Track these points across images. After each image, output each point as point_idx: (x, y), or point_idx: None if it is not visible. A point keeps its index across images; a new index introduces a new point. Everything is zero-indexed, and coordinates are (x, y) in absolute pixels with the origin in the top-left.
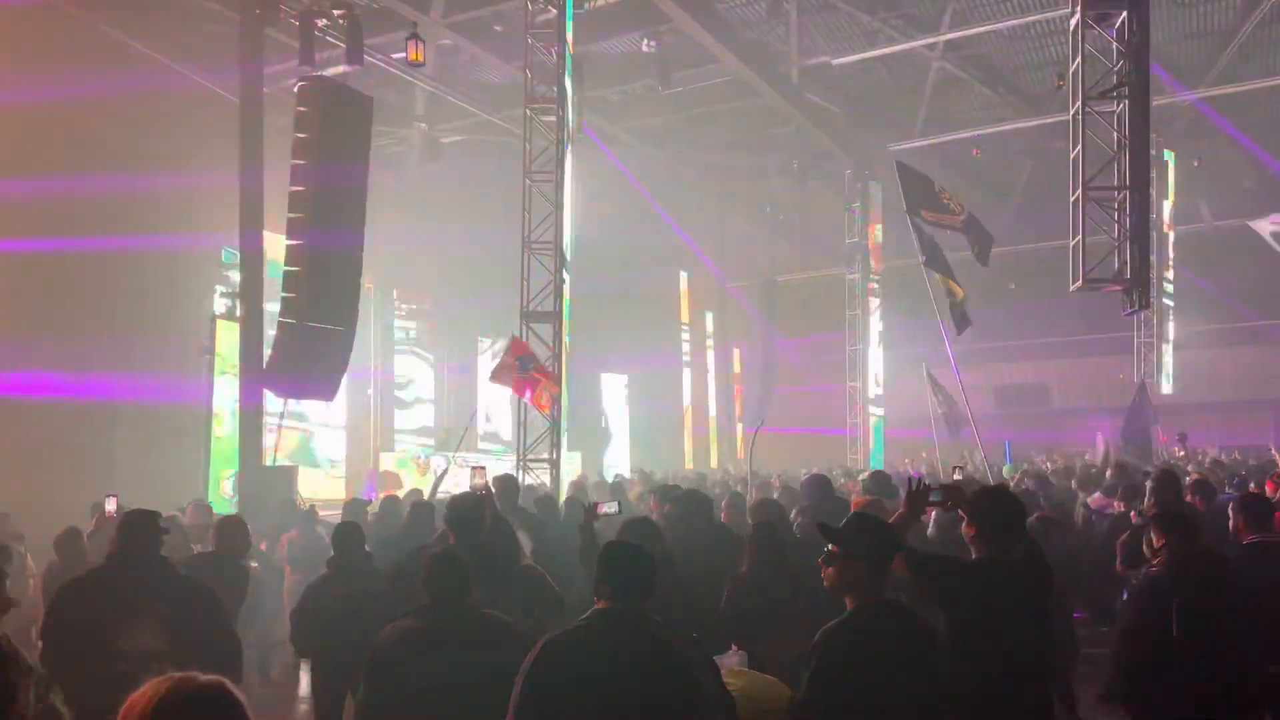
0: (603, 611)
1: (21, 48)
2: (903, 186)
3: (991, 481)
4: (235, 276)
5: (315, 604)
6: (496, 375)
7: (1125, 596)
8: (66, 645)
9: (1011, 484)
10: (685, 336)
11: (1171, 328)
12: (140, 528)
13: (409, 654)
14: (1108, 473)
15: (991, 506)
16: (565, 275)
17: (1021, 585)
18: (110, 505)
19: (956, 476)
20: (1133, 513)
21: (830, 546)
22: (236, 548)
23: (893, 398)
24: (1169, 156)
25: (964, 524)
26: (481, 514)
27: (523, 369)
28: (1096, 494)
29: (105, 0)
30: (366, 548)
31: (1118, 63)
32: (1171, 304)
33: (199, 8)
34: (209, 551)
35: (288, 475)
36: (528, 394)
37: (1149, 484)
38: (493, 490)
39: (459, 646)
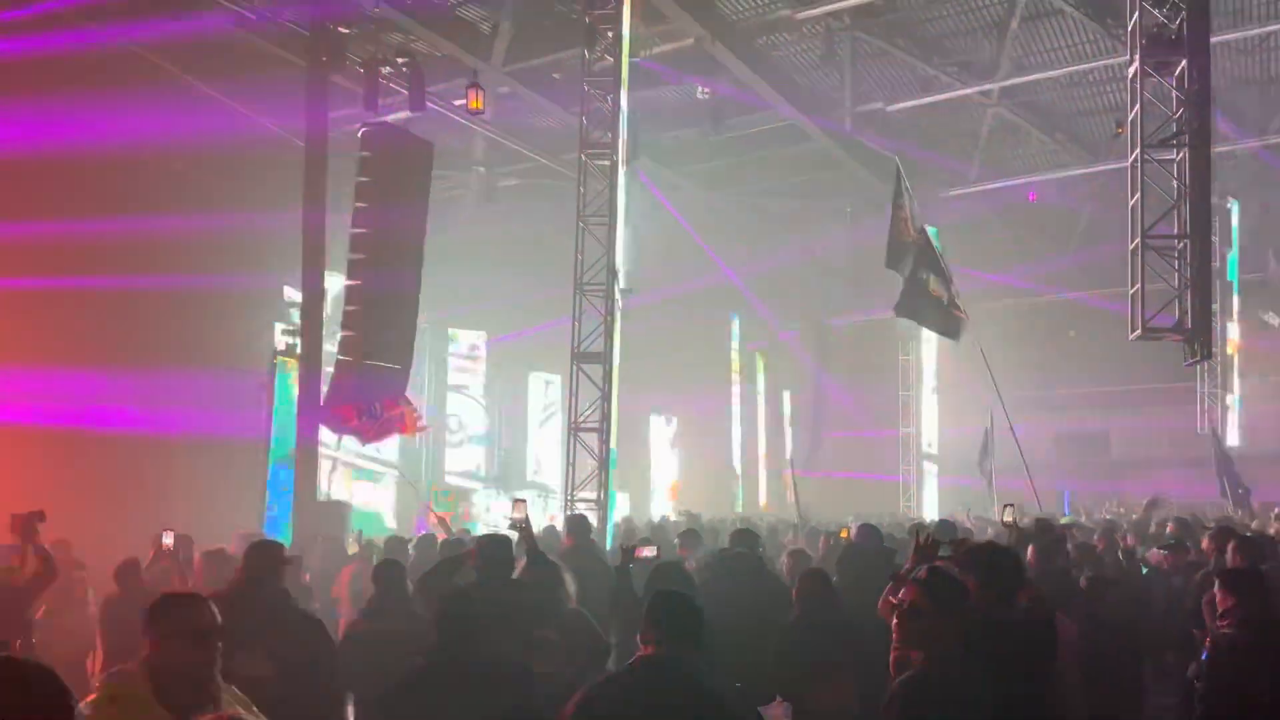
0: (647, 659)
1: (100, 91)
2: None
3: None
4: (297, 314)
5: (354, 641)
6: (368, 436)
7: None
8: None
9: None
10: (736, 379)
11: (1236, 378)
12: (262, 558)
13: (415, 695)
14: (1168, 527)
15: (986, 563)
16: (616, 316)
17: (1015, 642)
18: (167, 539)
19: (1008, 517)
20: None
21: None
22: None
23: (946, 444)
24: (1233, 205)
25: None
26: (511, 552)
27: (372, 416)
28: (1154, 549)
29: (181, 47)
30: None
31: (1177, 110)
32: (1236, 354)
33: (269, 55)
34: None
35: (341, 510)
36: (399, 432)
37: (1207, 540)
38: (530, 525)
39: (468, 690)
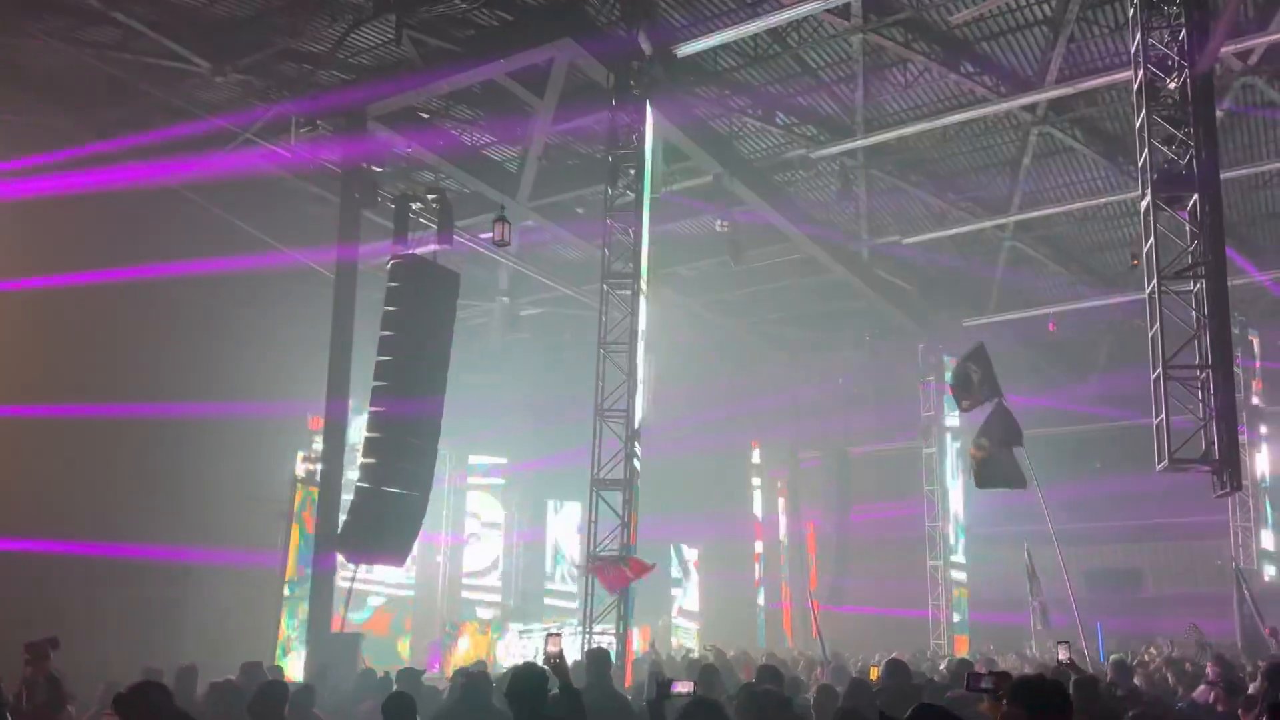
0: None
1: (141, 228)
2: (986, 369)
3: (1090, 669)
4: (318, 442)
5: None
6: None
7: None
8: None
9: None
10: (757, 508)
11: (1270, 510)
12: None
13: None
14: (1208, 666)
15: (1036, 698)
16: (636, 445)
17: None
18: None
19: (1062, 655)
20: (1241, 710)
21: None
22: None
23: (978, 579)
24: (1254, 335)
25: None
26: (545, 687)
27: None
28: (1203, 687)
29: (217, 183)
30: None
31: (1192, 243)
32: (1268, 485)
33: (304, 192)
34: None
35: (355, 642)
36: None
37: (1261, 677)
38: (564, 660)
39: None
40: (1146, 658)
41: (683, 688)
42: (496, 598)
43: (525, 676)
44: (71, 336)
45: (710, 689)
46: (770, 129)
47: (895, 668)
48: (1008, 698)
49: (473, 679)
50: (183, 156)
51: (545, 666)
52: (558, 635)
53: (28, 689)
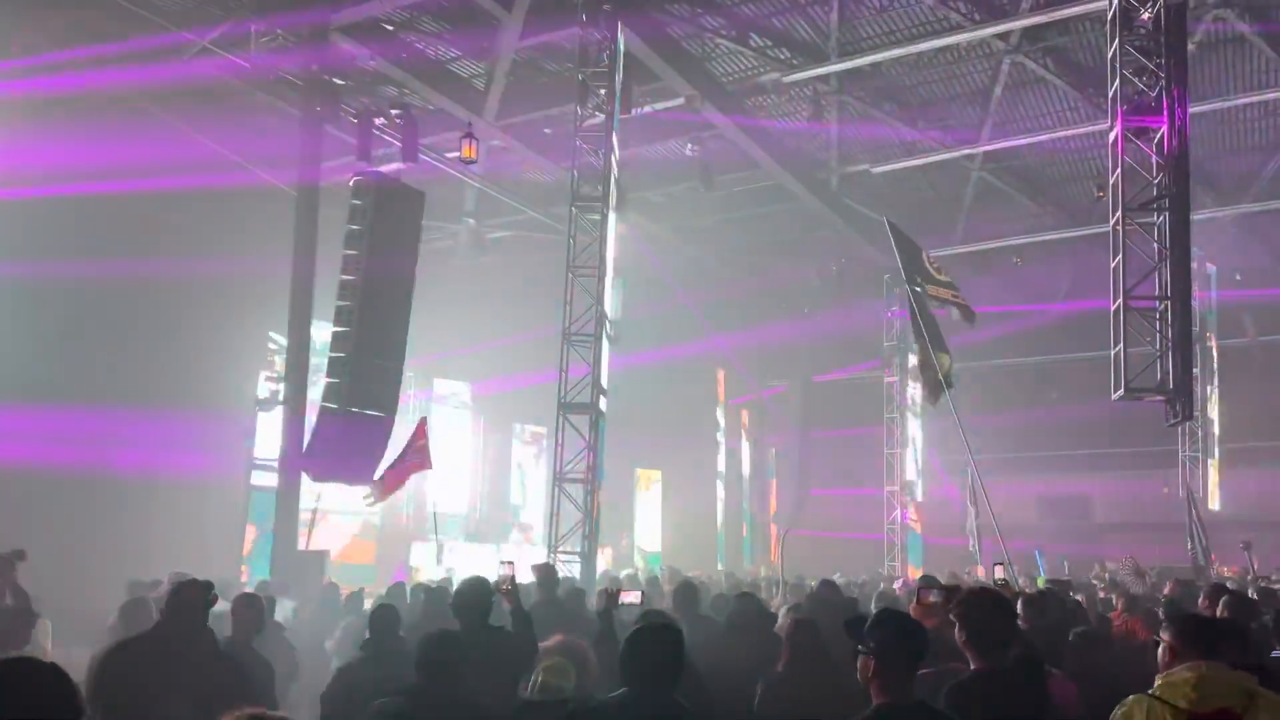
0: (625, 695)
1: (96, 138)
2: (898, 252)
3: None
4: (281, 362)
5: (347, 686)
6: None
7: None
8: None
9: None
10: (721, 434)
11: (1217, 443)
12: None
13: None
14: (1167, 587)
15: (983, 610)
16: (602, 365)
17: (1016, 696)
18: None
19: (999, 575)
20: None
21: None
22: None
23: (931, 504)
24: (1211, 271)
25: (956, 629)
26: (488, 602)
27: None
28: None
29: (176, 95)
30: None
31: (1158, 176)
32: (1217, 419)
33: (264, 105)
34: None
35: (320, 560)
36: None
37: (1204, 599)
38: (516, 586)
39: None
40: (1094, 580)
41: (629, 597)
42: (460, 518)
43: (470, 589)
44: (17, 247)
45: (654, 602)
46: (743, 51)
47: (828, 586)
48: (951, 611)
49: (433, 594)
50: (137, 63)
51: (493, 586)
52: (510, 563)
53: None
